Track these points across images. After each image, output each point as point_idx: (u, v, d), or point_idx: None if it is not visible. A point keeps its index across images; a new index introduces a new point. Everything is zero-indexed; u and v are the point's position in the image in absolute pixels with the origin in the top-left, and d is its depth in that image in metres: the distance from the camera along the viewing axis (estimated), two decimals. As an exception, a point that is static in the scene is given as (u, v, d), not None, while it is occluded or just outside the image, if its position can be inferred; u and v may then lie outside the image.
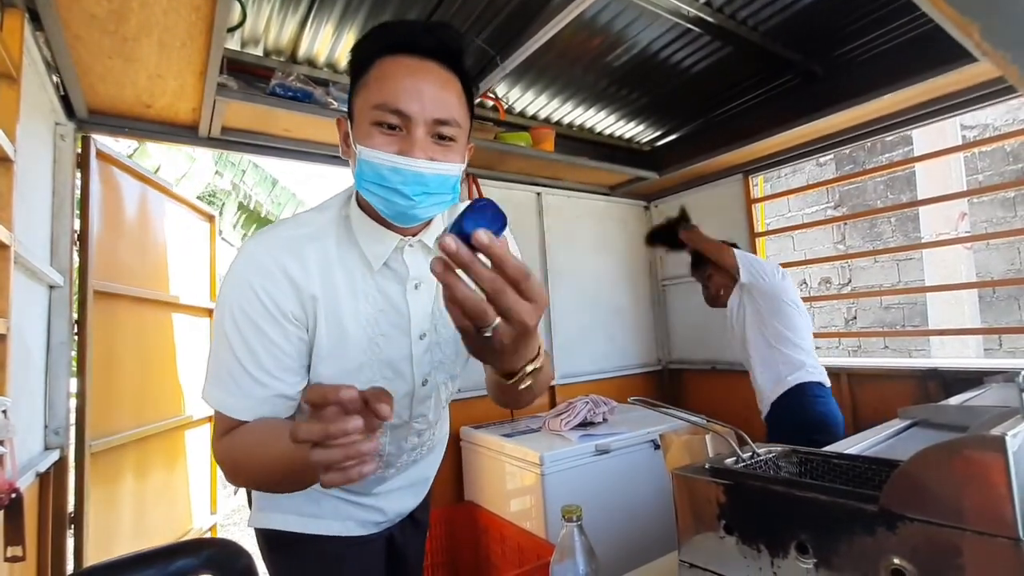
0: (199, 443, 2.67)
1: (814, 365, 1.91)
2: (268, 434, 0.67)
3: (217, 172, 6.75)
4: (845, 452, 0.92)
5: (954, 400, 1.49)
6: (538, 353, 0.63)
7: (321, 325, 0.74)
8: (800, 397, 1.86)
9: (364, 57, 0.71)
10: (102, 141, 1.92)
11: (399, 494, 0.96)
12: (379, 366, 0.78)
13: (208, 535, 2.50)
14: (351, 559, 0.91)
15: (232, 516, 4.06)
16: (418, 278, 0.79)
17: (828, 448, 0.99)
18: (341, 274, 0.76)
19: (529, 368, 0.62)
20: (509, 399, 0.77)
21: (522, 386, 0.63)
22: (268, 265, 0.71)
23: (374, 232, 0.76)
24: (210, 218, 2.92)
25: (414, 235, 0.78)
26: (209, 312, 2.69)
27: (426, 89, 0.68)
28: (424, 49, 0.70)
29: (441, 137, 0.70)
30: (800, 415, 1.84)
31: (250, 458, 0.68)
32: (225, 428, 0.71)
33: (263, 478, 0.69)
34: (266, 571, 0.92)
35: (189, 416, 2.56)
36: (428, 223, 0.80)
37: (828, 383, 1.94)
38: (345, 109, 0.79)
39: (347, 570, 0.90)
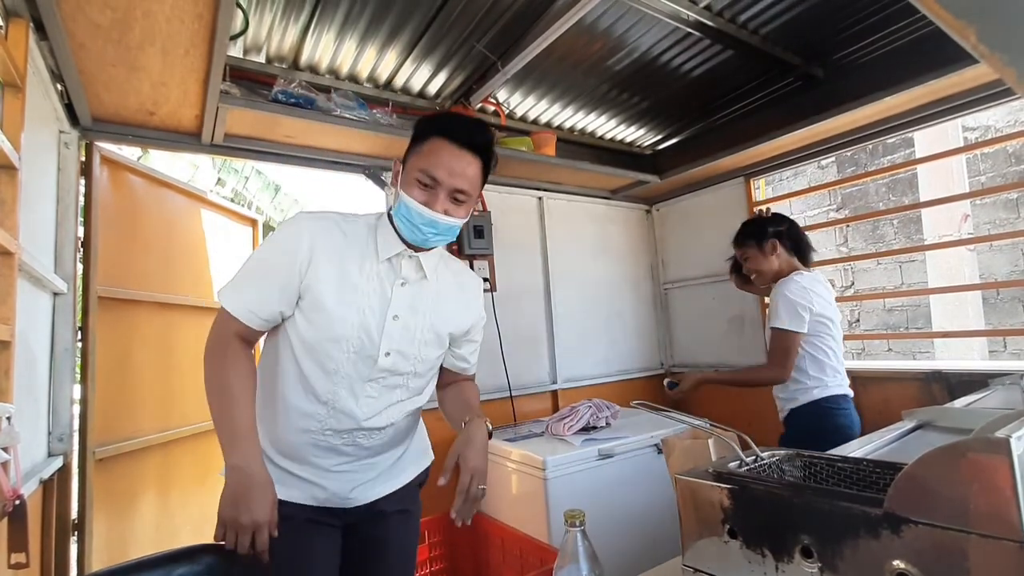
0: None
1: (833, 380, 1.83)
2: (246, 385, 0.99)
3: (220, 181, 6.79)
4: (849, 455, 0.91)
5: (959, 402, 1.48)
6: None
7: (324, 280, 1.01)
8: (816, 410, 1.81)
9: (424, 132, 1.05)
10: (109, 149, 1.94)
11: (347, 476, 1.10)
12: (360, 328, 1.03)
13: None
14: (310, 527, 1.07)
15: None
16: (405, 278, 1.08)
17: (832, 451, 0.99)
18: (354, 254, 1.05)
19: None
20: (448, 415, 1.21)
21: None
22: (300, 225, 1.04)
23: (389, 237, 1.07)
24: (252, 222, 2.93)
25: (415, 250, 1.08)
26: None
27: (455, 166, 1.02)
28: (463, 142, 1.02)
29: (456, 200, 1.03)
30: (815, 427, 1.79)
31: (224, 379, 0.98)
32: (229, 330, 1.01)
33: (213, 387, 0.98)
34: None
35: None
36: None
37: (851, 392, 1.87)
38: (349, 116, 1.53)
39: (303, 537, 1.06)
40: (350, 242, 1.05)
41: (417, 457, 1.24)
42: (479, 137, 1.04)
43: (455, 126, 1.04)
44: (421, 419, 1.28)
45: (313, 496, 1.08)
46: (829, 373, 1.83)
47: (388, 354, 1.05)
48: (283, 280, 1.01)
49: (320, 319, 1.01)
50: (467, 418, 1.08)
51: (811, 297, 1.82)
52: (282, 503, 0.97)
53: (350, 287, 1.02)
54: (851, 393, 1.87)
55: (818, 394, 1.81)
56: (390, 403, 1.09)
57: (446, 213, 1.02)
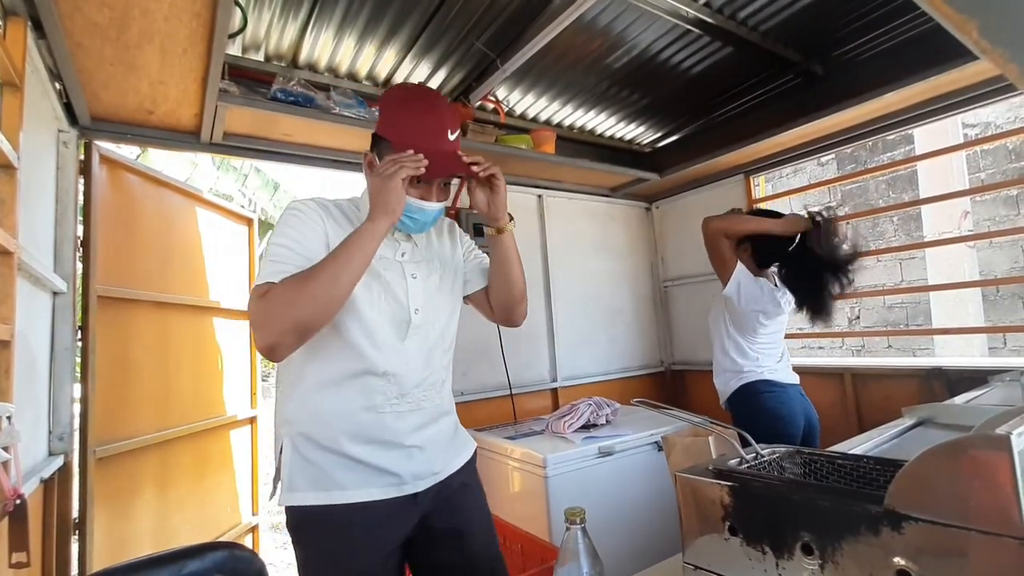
0: (238, 444, 2.69)
1: (749, 366, 1.99)
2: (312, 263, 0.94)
3: (219, 179, 6.77)
4: (849, 452, 0.91)
5: (959, 399, 1.48)
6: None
7: None
8: (743, 396, 1.98)
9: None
10: (107, 148, 1.93)
11: (412, 452, 1.07)
12: (385, 295, 1.07)
13: (231, 537, 2.48)
14: (372, 526, 1.02)
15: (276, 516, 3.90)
16: (404, 250, 1.12)
17: (832, 448, 0.99)
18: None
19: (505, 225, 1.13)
20: (503, 285, 1.18)
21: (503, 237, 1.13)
22: (309, 204, 1.06)
23: None
24: (248, 221, 2.93)
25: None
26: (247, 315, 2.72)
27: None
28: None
29: (445, 185, 1.10)
30: (748, 410, 1.96)
31: (297, 280, 0.91)
32: (263, 291, 0.93)
33: (310, 290, 0.90)
34: (294, 554, 1.03)
35: (232, 416, 2.60)
36: None
37: (786, 380, 1.99)
38: (348, 114, 1.41)
39: (368, 536, 1.01)
40: (346, 223, 1.07)
41: (468, 435, 1.27)
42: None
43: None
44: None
45: (393, 484, 1.04)
46: (750, 359, 2.00)
47: (417, 311, 1.09)
48: (322, 236, 1.01)
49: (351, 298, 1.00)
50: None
51: (753, 290, 2.00)
52: (364, 506, 1.00)
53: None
54: (784, 379, 2.00)
55: (735, 384, 2.00)
56: (429, 353, 1.12)
57: (438, 200, 1.08)
